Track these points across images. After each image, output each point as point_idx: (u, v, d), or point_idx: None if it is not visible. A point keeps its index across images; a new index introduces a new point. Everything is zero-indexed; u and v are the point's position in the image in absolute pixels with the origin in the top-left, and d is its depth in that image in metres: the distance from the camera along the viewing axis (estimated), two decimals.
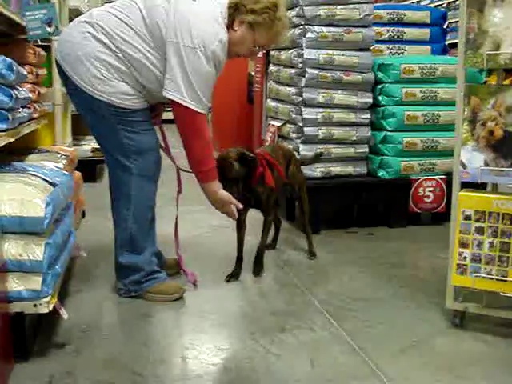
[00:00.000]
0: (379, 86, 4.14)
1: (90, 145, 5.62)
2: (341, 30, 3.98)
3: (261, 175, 3.06)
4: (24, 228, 2.16)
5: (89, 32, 2.61)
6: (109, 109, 2.63)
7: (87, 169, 4.95)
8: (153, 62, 2.64)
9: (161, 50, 2.62)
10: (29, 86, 2.89)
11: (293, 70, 4.13)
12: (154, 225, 2.90)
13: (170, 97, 2.62)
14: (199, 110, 2.63)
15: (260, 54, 5.01)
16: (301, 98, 4.03)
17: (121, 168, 2.73)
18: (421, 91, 4.10)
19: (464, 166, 2.43)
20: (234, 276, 3.11)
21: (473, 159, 2.41)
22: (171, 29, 2.58)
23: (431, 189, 4.14)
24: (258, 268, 3.17)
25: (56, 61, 2.71)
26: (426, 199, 4.15)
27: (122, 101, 2.63)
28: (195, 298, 2.88)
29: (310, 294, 2.92)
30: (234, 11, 2.71)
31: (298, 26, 4.03)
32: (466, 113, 2.41)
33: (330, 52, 3.99)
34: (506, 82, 2.42)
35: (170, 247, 3.12)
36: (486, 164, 2.38)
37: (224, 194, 2.84)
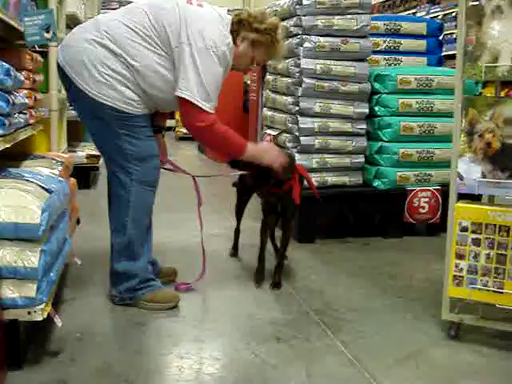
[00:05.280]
0: (376, 97, 4.15)
1: (84, 151, 5.62)
2: (338, 40, 4.00)
3: (290, 188, 3.07)
4: (19, 235, 2.14)
5: (93, 39, 2.61)
6: (112, 113, 2.63)
7: (81, 175, 4.94)
8: (157, 64, 2.64)
9: (166, 53, 2.63)
10: (25, 91, 2.89)
11: (290, 80, 4.14)
12: (150, 232, 2.92)
13: (182, 95, 2.62)
14: (207, 109, 2.65)
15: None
16: (297, 108, 4.04)
17: (121, 174, 2.73)
18: (417, 102, 4.12)
19: (461, 177, 2.43)
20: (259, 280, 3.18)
21: (470, 171, 2.42)
22: (182, 31, 2.61)
23: (426, 199, 4.15)
24: (277, 282, 3.14)
25: (58, 65, 2.69)
26: (421, 210, 4.15)
27: (126, 105, 2.63)
28: (190, 306, 2.87)
29: (305, 305, 2.91)
30: (238, 27, 2.78)
31: (295, 35, 4.04)
32: (463, 124, 2.41)
33: (327, 62, 4.00)
34: (502, 93, 2.44)
35: (164, 255, 3.11)
36: (484, 176, 2.39)
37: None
